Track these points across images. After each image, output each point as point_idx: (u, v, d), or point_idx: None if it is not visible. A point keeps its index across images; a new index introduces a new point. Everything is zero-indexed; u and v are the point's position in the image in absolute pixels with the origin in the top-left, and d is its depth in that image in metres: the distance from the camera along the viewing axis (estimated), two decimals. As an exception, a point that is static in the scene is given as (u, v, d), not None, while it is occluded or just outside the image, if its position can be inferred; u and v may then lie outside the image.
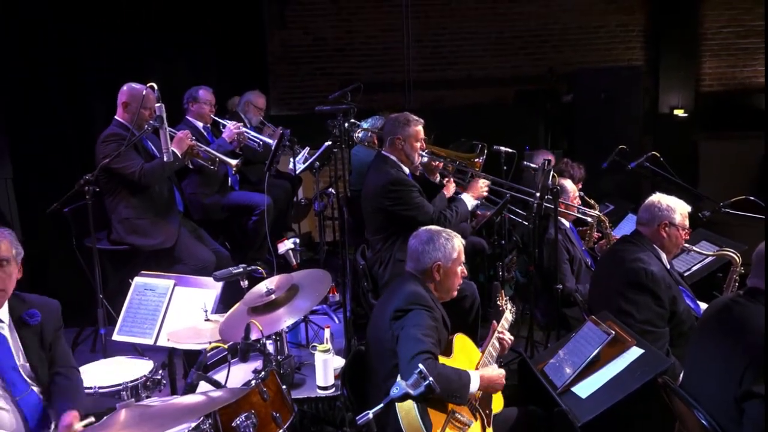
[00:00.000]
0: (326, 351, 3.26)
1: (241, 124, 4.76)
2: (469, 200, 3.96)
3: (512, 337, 2.88)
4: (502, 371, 2.56)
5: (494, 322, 2.89)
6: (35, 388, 2.41)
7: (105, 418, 1.94)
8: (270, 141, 4.75)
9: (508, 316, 2.95)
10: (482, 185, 4.01)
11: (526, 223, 4.23)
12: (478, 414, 2.46)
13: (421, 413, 2.24)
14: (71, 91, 4.81)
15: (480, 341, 2.91)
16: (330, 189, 5.25)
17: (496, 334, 2.80)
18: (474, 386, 2.39)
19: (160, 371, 2.88)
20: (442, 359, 2.44)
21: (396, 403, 2.24)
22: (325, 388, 3.27)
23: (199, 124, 4.75)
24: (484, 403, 2.52)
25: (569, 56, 7.42)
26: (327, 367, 3.27)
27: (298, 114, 7.19)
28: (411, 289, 2.61)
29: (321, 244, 4.76)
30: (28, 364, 2.42)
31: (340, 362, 3.43)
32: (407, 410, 2.24)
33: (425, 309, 2.52)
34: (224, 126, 4.75)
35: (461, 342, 2.67)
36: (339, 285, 4.24)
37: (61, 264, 4.35)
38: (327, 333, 3.55)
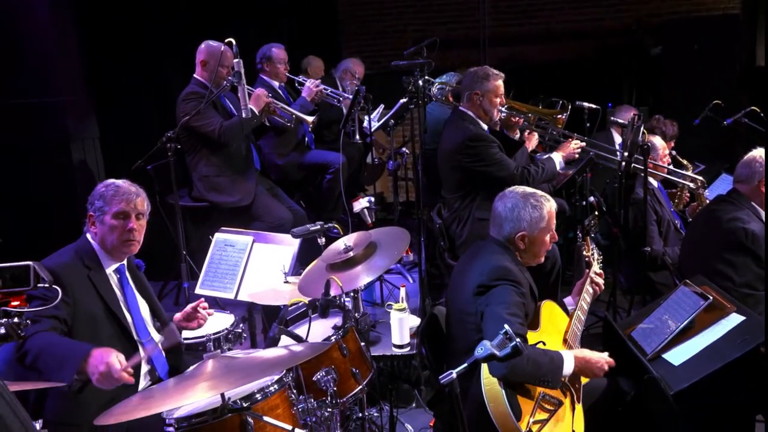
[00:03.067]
0: (402, 310, 3.25)
1: (319, 81, 4.70)
2: (558, 159, 3.78)
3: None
4: (605, 355, 2.36)
5: (586, 271, 2.76)
6: (155, 336, 2.52)
7: (193, 367, 1.99)
8: (349, 96, 4.68)
9: (596, 269, 2.80)
10: (574, 146, 3.81)
11: (609, 181, 4.01)
12: (568, 391, 2.32)
13: (510, 399, 2.14)
14: (150, 50, 4.90)
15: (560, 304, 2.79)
16: (403, 148, 5.20)
17: (587, 285, 2.67)
18: (567, 369, 2.24)
19: (241, 325, 2.94)
20: (530, 334, 2.34)
21: (484, 390, 2.17)
22: (400, 347, 3.27)
23: (275, 84, 4.73)
24: (574, 377, 2.35)
25: (657, 6, 6.94)
26: (402, 325, 3.27)
27: (370, 73, 7.08)
28: (495, 261, 2.44)
29: (395, 204, 4.73)
30: (148, 310, 2.55)
31: (415, 321, 3.42)
32: (495, 396, 2.15)
33: (512, 284, 2.37)
34: (299, 84, 4.73)
35: (549, 310, 2.54)
36: (413, 245, 4.21)
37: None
38: (402, 292, 3.53)
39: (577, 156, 3.85)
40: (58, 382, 2.03)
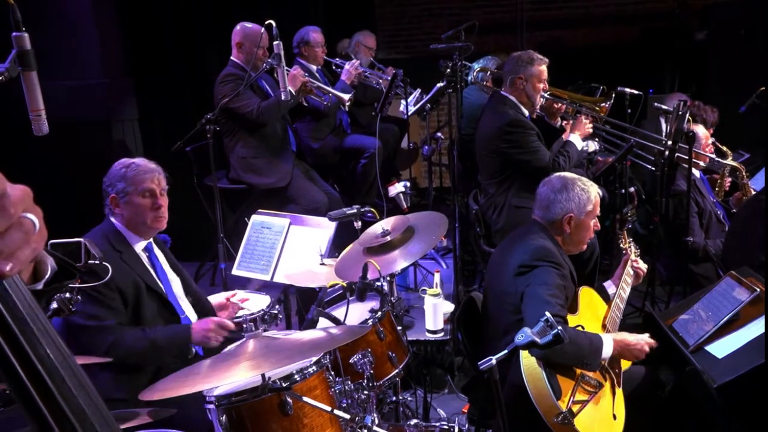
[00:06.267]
0: (436, 295, 3.25)
1: (358, 62, 4.67)
2: (577, 140, 3.71)
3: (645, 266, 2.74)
4: (645, 336, 2.37)
5: (625, 259, 2.72)
6: (189, 311, 2.57)
7: (233, 346, 2.01)
8: (388, 78, 4.65)
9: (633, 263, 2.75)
10: (586, 121, 3.73)
11: (653, 168, 3.90)
12: (608, 375, 2.32)
13: (550, 378, 2.13)
14: (188, 33, 4.93)
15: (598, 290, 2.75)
16: (438, 133, 5.16)
17: (627, 269, 2.63)
18: (607, 352, 2.23)
19: (277, 306, 2.96)
20: (569, 318, 2.32)
21: (523, 370, 2.16)
22: (434, 332, 3.28)
23: (313, 67, 4.71)
24: (614, 362, 2.36)
25: (704, -13, 6.71)
26: (437, 311, 3.27)
27: (404, 57, 7.03)
28: (538, 242, 2.44)
29: (429, 190, 4.70)
30: (180, 286, 2.59)
31: (449, 307, 3.41)
32: (535, 376, 2.15)
33: (553, 266, 2.36)
34: (336, 66, 4.70)
35: (587, 296, 2.52)
36: (448, 231, 4.18)
37: (184, 201, 4.57)
38: (437, 277, 3.53)
39: (590, 131, 3.76)
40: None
